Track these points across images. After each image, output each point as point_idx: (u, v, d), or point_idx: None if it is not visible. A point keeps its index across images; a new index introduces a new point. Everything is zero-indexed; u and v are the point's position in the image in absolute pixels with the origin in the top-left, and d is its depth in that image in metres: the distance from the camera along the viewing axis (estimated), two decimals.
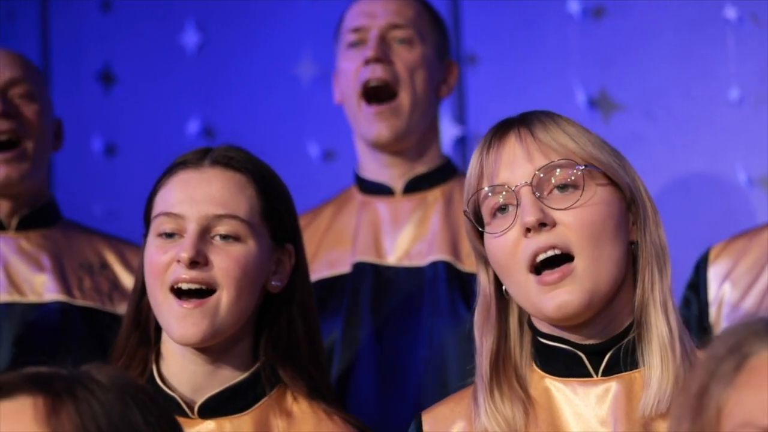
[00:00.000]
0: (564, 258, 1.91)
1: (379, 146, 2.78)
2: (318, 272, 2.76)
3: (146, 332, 2.21)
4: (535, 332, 1.98)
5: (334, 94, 2.89)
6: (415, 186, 2.80)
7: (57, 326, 2.69)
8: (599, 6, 3.40)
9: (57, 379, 1.47)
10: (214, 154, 2.20)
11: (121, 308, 2.59)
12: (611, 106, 3.38)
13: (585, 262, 1.90)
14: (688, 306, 2.65)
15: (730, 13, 3.26)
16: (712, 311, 2.62)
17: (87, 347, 2.65)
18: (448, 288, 2.70)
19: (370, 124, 2.75)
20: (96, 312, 2.71)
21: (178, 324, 2.11)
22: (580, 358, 1.95)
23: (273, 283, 2.20)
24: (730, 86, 3.26)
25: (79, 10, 3.83)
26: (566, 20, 3.42)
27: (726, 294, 2.60)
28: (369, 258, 2.75)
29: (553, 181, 1.92)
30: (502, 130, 1.98)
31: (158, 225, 2.16)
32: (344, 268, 2.76)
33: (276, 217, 2.20)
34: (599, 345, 1.95)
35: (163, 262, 2.14)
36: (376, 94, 2.76)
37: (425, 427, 2.02)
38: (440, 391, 2.62)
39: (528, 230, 1.91)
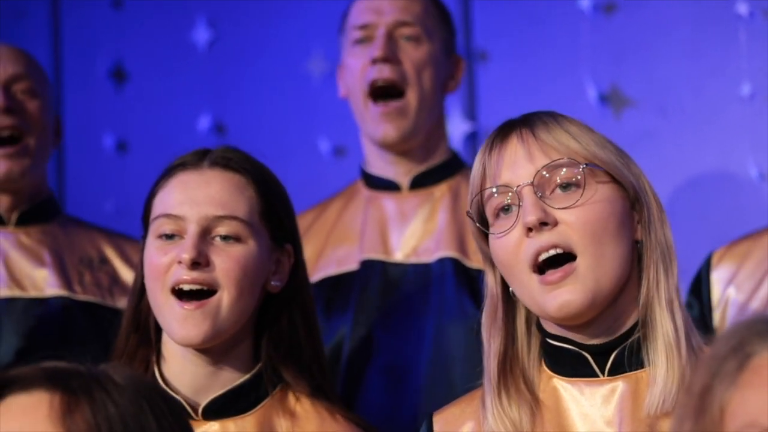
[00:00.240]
0: (567, 257, 1.91)
1: (385, 146, 2.77)
2: (325, 269, 2.76)
3: (146, 333, 2.21)
4: (543, 333, 1.98)
5: (338, 88, 2.88)
6: (421, 181, 2.79)
7: (58, 321, 2.70)
8: (610, 2, 3.39)
9: (75, 376, 1.47)
10: (212, 156, 2.20)
11: (122, 303, 2.60)
12: (622, 102, 3.38)
13: (587, 261, 1.90)
14: (690, 309, 2.64)
15: (742, 8, 3.25)
16: (716, 315, 2.62)
17: (88, 342, 2.66)
18: (455, 285, 2.70)
19: (377, 125, 2.74)
20: (97, 307, 2.72)
21: (180, 325, 2.12)
22: (586, 358, 1.95)
23: (273, 283, 2.20)
24: (741, 82, 3.25)
25: (90, 7, 3.83)
26: (577, 16, 3.42)
27: (731, 297, 2.60)
28: (376, 255, 2.75)
29: (554, 181, 1.92)
30: (504, 131, 1.98)
31: (158, 227, 2.16)
32: (352, 266, 2.76)
33: (275, 218, 2.20)
34: (604, 345, 1.94)
35: (164, 263, 2.14)
36: (383, 92, 2.75)
37: (436, 427, 2.02)
38: (447, 388, 2.62)
39: (530, 230, 1.91)
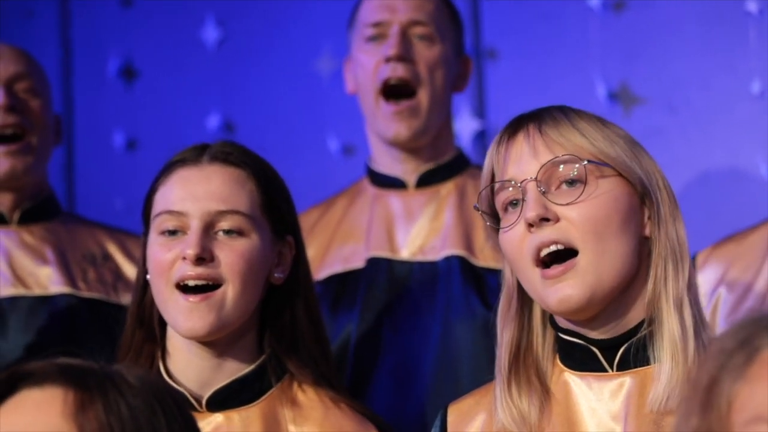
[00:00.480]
0: (570, 253, 1.92)
1: (396, 145, 2.77)
2: (331, 267, 2.76)
3: (151, 329, 2.22)
4: (555, 327, 1.99)
5: (346, 83, 2.88)
6: (428, 179, 2.80)
7: (63, 318, 2.71)
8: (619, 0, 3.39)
9: (90, 374, 1.47)
10: (212, 150, 2.21)
11: (126, 299, 2.61)
12: (632, 99, 3.37)
13: (588, 257, 1.91)
14: None
15: (752, 6, 3.25)
16: (706, 314, 2.62)
17: (93, 339, 2.67)
18: (462, 282, 2.70)
19: (388, 124, 2.74)
20: (101, 303, 2.72)
21: (185, 318, 2.12)
22: (594, 353, 1.95)
23: (276, 275, 2.21)
24: (751, 79, 3.24)
25: (99, 5, 3.84)
26: (586, 14, 3.41)
27: (722, 298, 2.60)
28: (383, 253, 2.75)
29: (559, 177, 1.93)
30: (513, 126, 1.99)
31: (160, 223, 2.17)
32: (358, 263, 2.76)
33: (276, 210, 2.21)
34: (612, 340, 1.95)
35: (168, 259, 2.15)
36: (395, 91, 2.75)
37: (450, 418, 2.04)
38: (454, 386, 2.62)
39: (531, 225, 1.92)
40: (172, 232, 2.16)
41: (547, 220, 1.92)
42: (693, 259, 2.66)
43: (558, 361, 1.99)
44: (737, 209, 3.21)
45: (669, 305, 1.92)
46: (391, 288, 2.72)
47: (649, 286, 1.94)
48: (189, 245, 2.13)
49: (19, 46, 2.88)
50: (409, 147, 2.77)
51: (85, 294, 2.74)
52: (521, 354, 1.98)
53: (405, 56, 2.73)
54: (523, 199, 1.93)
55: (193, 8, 3.76)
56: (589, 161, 1.93)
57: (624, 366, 1.94)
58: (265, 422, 2.17)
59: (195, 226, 2.14)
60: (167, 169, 2.22)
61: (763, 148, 3.22)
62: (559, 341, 1.99)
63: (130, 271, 2.75)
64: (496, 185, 1.96)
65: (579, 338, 1.96)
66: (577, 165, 1.93)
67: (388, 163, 2.80)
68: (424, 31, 2.77)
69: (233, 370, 2.18)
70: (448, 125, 2.84)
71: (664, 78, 3.34)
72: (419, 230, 2.76)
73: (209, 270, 2.13)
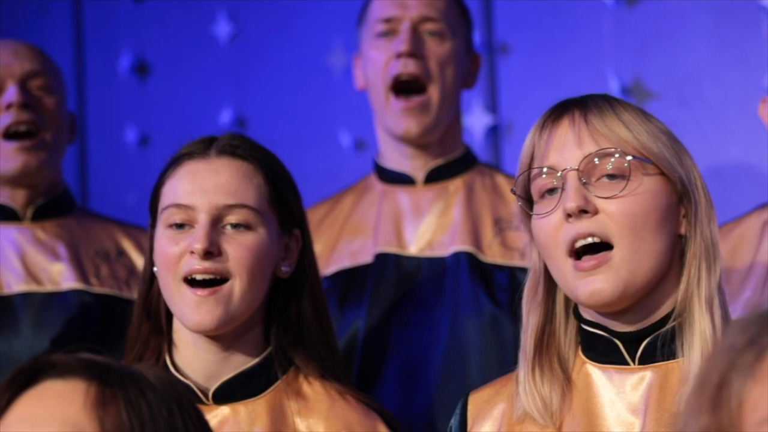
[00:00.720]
0: (603, 245, 1.91)
1: (406, 141, 2.76)
2: (339, 262, 2.76)
3: (158, 321, 2.22)
4: (579, 318, 1.98)
5: (355, 79, 2.88)
6: (436, 176, 2.79)
7: (75, 314, 2.72)
8: None
9: (112, 371, 1.47)
10: (219, 144, 2.21)
11: None
12: (645, 94, 3.36)
13: (623, 252, 1.90)
14: None
15: (765, 0, 3.24)
16: None
17: (105, 334, 2.67)
18: (470, 278, 2.70)
19: (398, 120, 2.74)
20: (114, 299, 2.73)
21: (193, 312, 2.13)
22: (617, 345, 1.95)
23: (283, 268, 2.21)
24: (765, 73, 3.23)
25: (112, 2, 3.85)
26: (599, 8, 3.41)
27: None
28: (391, 248, 2.75)
29: (601, 169, 1.92)
30: (558, 111, 1.97)
31: (168, 216, 2.17)
32: (366, 259, 2.76)
33: (283, 204, 2.21)
34: (635, 333, 1.94)
35: (176, 253, 2.15)
36: (406, 87, 2.75)
37: (470, 406, 2.03)
38: (462, 381, 2.63)
39: (569, 215, 1.90)
40: (180, 226, 2.16)
41: (585, 212, 1.90)
42: None
43: (580, 352, 1.98)
44: (751, 203, 3.20)
45: (701, 305, 1.92)
46: (399, 283, 2.72)
47: (682, 285, 1.94)
48: (197, 239, 2.13)
49: (32, 42, 2.89)
50: (418, 143, 2.77)
51: (97, 290, 2.75)
52: (545, 340, 1.97)
53: (416, 52, 2.73)
54: (563, 188, 1.92)
55: (205, 4, 3.77)
56: (634, 157, 1.91)
57: (646, 359, 1.94)
58: (271, 414, 2.17)
59: (203, 220, 2.14)
60: (175, 162, 2.22)
61: None
62: (581, 332, 1.98)
63: None
64: (534, 170, 1.94)
65: (602, 330, 1.95)
66: (621, 159, 1.91)
67: (397, 159, 2.80)
68: (435, 27, 2.77)
69: (239, 363, 2.19)
70: (457, 122, 2.84)
71: (677, 72, 3.33)
72: (427, 226, 2.76)
73: (217, 264, 2.13)
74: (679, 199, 1.95)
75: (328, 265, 2.75)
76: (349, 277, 2.75)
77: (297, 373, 2.22)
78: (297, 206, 2.25)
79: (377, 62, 2.77)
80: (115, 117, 3.81)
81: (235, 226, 2.16)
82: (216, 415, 2.16)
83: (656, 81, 3.36)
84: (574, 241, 1.91)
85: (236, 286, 2.14)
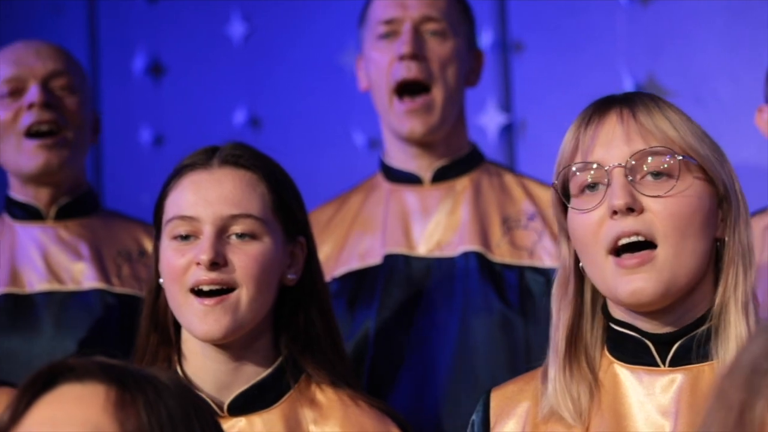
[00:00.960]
0: (646, 244, 1.89)
1: (411, 141, 2.75)
2: (348, 264, 2.75)
3: (166, 332, 2.22)
4: (608, 317, 1.97)
5: (359, 80, 2.87)
6: (443, 175, 2.78)
7: (95, 313, 2.72)
8: None
9: (129, 374, 1.47)
10: (222, 154, 2.20)
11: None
12: (659, 92, 3.36)
13: (667, 252, 1.88)
14: None
15: None
16: None
17: (126, 334, 2.68)
18: (480, 278, 2.69)
19: (402, 121, 2.72)
20: (135, 299, 2.73)
21: (201, 321, 2.12)
22: (648, 346, 1.93)
23: (289, 276, 2.21)
24: None
25: (126, 2, 3.85)
26: (613, 6, 3.40)
27: None
28: (399, 249, 2.73)
29: (647, 167, 1.89)
30: (603, 107, 1.94)
31: (172, 228, 2.17)
32: (375, 260, 2.74)
33: (288, 212, 2.21)
34: (667, 335, 1.93)
35: (182, 264, 2.14)
36: (409, 88, 2.73)
37: (492, 403, 2.02)
38: (472, 381, 2.62)
39: (615, 212, 1.89)
40: (185, 237, 2.16)
41: (632, 210, 1.88)
42: None
43: (606, 352, 1.97)
44: (765, 201, 3.20)
45: (737, 308, 1.91)
46: (408, 284, 2.71)
47: (720, 288, 1.93)
48: (202, 251, 2.12)
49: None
50: (423, 143, 2.76)
51: (118, 289, 2.76)
52: (573, 338, 1.96)
53: (418, 54, 2.71)
54: (608, 184, 1.90)
55: (219, 4, 3.77)
56: (684, 157, 1.90)
57: (677, 362, 1.93)
58: (286, 424, 2.17)
59: (208, 231, 2.14)
60: (177, 173, 2.21)
61: None
62: (609, 332, 1.96)
63: None
64: (578, 165, 1.92)
65: (633, 330, 1.94)
66: (671, 159, 1.89)
67: (403, 158, 2.79)
68: (437, 27, 2.74)
69: (250, 372, 2.18)
70: (461, 120, 2.82)
71: (692, 71, 3.33)
72: (436, 226, 2.75)
73: (223, 275, 2.13)
74: (719, 203, 1.93)
75: (337, 267, 2.75)
76: (359, 278, 2.74)
77: (309, 380, 2.22)
78: (301, 213, 2.25)
79: (380, 65, 2.76)
80: (130, 117, 3.82)
81: (240, 236, 2.15)
82: (232, 426, 2.16)
83: (670, 79, 3.36)
84: (618, 238, 1.88)
85: (243, 295, 2.13)
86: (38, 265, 2.76)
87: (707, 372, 1.92)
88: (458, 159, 2.79)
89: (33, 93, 2.74)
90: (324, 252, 2.66)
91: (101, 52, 3.88)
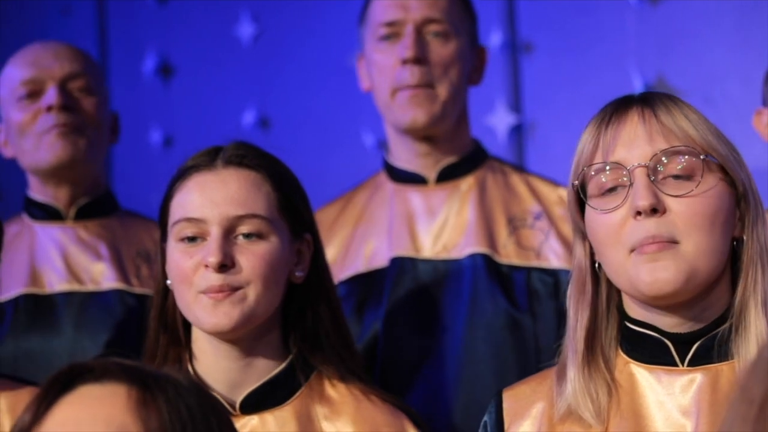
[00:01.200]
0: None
1: (413, 132, 2.72)
2: (354, 267, 2.74)
3: (175, 333, 2.22)
4: (624, 317, 1.96)
5: (360, 80, 2.85)
6: (448, 174, 2.76)
7: (115, 314, 2.73)
8: None
9: (148, 374, 1.48)
10: (225, 154, 2.19)
11: None
12: (669, 92, 3.34)
13: (688, 248, 1.88)
14: None
15: None
16: None
17: (145, 335, 2.68)
18: (487, 280, 2.67)
19: (405, 110, 2.69)
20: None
21: (210, 315, 2.12)
22: (667, 346, 1.93)
23: (297, 274, 2.21)
24: None
25: (136, 3, 3.86)
26: (622, 6, 3.40)
27: None
28: (406, 252, 2.71)
29: (669, 167, 1.89)
30: (623, 106, 1.93)
31: (179, 230, 2.16)
32: (382, 263, 2.73)
33: (293, 210, 2.20)
34: (687, 335, 1.92)
35: (190, 266, 2.14)
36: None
37: (505, 404, 2.01)
38: (479, 383, 2.61)
39: (638, 213, 1.88)
40: (192, 239, 2.16)
41: (655, 210, 1.88)
42: None
43: (621, 352, 1.96)
44: None
45: (757, 309, 1.90)
46: (416, 287, 2.70)
47: (739, 287, 1.92)
48: (210, 253, 2.12)
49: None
50: (426, 134, 2.73)
51: (137, 290, 2.77)
52: (591, 338, 1.95)
53: (421, 58, 2.68)
54: (630, 184, 1.89)
55: (228, 5, 3.78)
56: (706, 156, 1.90)
57: (696, 361, 1.92)
58: (299, 421, 2.17)
59: (215, 232, 2.14)
60: (182, 175, 2.21)
61: None
62: (626, 331, 1.96)
63: None
64: (598, 165, 1.91)
65: (652, 330, 1.93)
66: (694, 159, 1.89)
67: (408, 158, 2.76)
68: (439, 28, 2.71)
69: (261, 370, 2.18)
70: (464, 119, 2.80)
71: (701, 71, 3.32)
72: (442, 227, 2.73)
73: (231, 278, 2.12)
74: (737, 202, 1.93)
75: (344, 269, 2.74)
76: (366, 281, 2.72)
77: (320, 376, 2.22)
78: (306, 211, 2.25)
79: (382, 67, 2.73)
80: (140, 118, 3.82)
81: (247, 236, 2.15)
82: (245, 425, 2.16)
83: (680, 79, 3.35)
84: (642, 243, 1.88)
85: (251, 294, 2.14)
86: (58, 266, 2.77)
87: (726, 371, 1.91)
88: (462, 158, 2.76)
89: (51, 95, 2.74)
90: (330, 254, 2.65)
91: (110, 52, 3.88)
